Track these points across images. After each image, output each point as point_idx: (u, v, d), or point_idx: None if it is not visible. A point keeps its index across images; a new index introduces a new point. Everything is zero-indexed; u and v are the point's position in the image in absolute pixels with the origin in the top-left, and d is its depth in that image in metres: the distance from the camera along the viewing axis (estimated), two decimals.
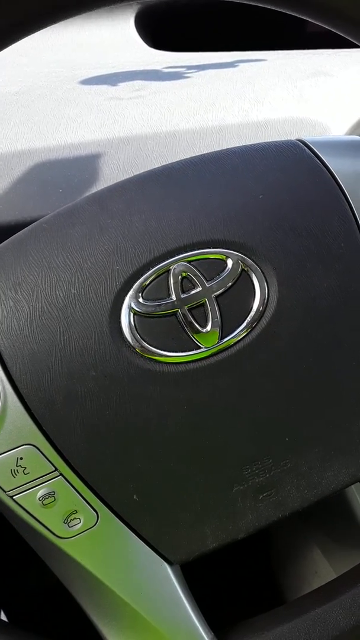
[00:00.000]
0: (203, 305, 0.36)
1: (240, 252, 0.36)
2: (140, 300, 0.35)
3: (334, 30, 0.36)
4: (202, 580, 0.48)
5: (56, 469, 0.36)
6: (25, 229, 0.38)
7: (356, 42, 0.37)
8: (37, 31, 0.35)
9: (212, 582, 0.71)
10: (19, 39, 0.34)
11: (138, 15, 0.82)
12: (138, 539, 0.37)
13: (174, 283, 0.36)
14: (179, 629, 0.38)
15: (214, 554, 0.39)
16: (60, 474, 0.36)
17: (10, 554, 0.72)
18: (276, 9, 0.35)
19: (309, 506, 0.39)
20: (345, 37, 0.37)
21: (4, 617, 0.72)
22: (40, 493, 0.36)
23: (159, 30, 0.85)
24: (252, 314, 0.36)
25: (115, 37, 0.79)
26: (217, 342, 0.36)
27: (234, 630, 0.40)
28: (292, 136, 0.58)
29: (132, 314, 0.35)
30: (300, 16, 0.36)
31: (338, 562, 0.69)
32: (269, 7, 0.35)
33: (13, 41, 0.34)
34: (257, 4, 0.34)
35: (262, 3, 0.34)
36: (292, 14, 0.35)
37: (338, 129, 0.58)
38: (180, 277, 0.36)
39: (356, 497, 0.60)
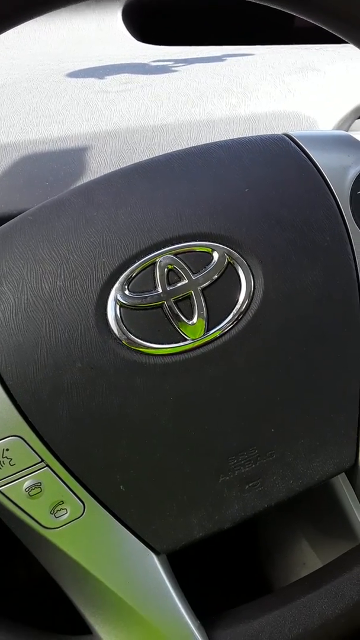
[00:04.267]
0: (189, 297, 0.36)
1: (226, 245, 0.37)
2: (126, 292, 0.36)
3: (330, 30, 0.36)
4: (189, 569, 0.48)
5: (42, 460, 0.36)
6: (10, 221, 0.38)
7: (348, 41, 0.37)
8: (22, 23, 0.35)
9: (200, 572, 0.71)
10: (3, 31, 0.34)
11: (125, 8, 0.81)
12: (124, 529, 0.37)
13: (160, 275, 0.36)
14: (165, 618, 0.38)
15: (201, 543, 0.39)
16: (47, 465, 0.36)
17: None
18: (274, 8, 0.35)
19: (295, 496, 0.40)
20: (340, 36, 0.37)
21: None
22: (27, 484, 0.36)
23: (146, 24, 0.84)
24: (237, 306, 0.37)
25: (102, 30, 0.79)
26: (203, 335, 0.36)
27: (221, 619, 0.41)
28: (280, 130, 0.58)
29: (118, 306, 0.36)
30: (295, 14, 0.36)
31: (326, 553, 0.69)
32: (268, 5, 0.35)
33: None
34: (258, 1, 0.34)
35: (264, 2, 0.34)
36: (289, 12, 0.36)
37: (325, 124, 0.59)
38: (166, 269, 0.36)
39: (343, 488, 0.60)
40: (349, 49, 0.71)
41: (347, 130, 0.62)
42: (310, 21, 0.36)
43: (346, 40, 0.38)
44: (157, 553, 0.38)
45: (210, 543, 0.40)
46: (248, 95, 0.61)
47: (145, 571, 0.38)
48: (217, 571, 0.81)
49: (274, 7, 0.35)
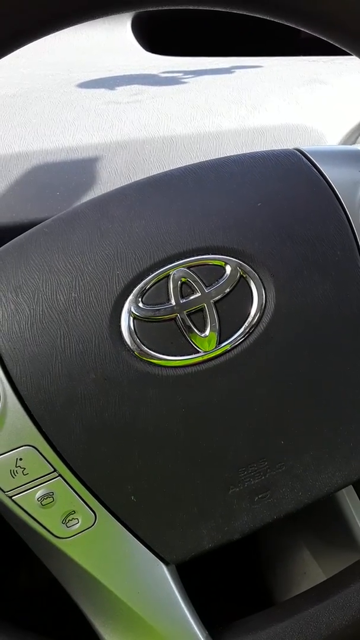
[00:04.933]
0: (202, 310, 0.36)
1: (239, 259, 0.37)
2: (140, 304, 0.36)
3: (335, 44, 0.36)
4: (197, 580, 0.49)
5: (55, 470, 0.36)
6: (25, 232, 0.39)
7: (353, 54, 0.38)
8: (40, 38, 0.35)
9: (205, 582, 0.71)
10: (21, 46, 0.35)
11: (135, 19, 0.82)
12: (135, 539, 0.38)
13: (173, 288, 0.36)
14: (174, 628, 0.39)
15: (207, 554, 0.40)
16: (59, 475, 0.36)
17: (1, 553, 0.72)
18: (278, 22, 0.35)
19: (303, 508, 0.40)
20: (343, 48, 0.38)
21: None
22: (39, 493, 0.36)
23: (155, 35, 0.85)
24: (249, 319, 0.37)
25: (112, 41, 0.79)
26: (215, 347, 0.37)
27: (228, 630, 0.41)
28: (288, 143, 0.59)
29: (131, 318, 0.36)
30: (298, 27, 0.36)
31: (327, 563, 0.69)
32: (268, 18, 0.35)
33: (16, 48, 0.35)
34: (258, 15, 0.35)
35: (263, 15, 0.34)
36: (292, 25, 0.36)
37: (333, 137, 0.59)
38: (179, 282, 0.36)
39: (345, 498, 0.61)
40: (356, 61, 0.72)
41: (354, 143, 0.62)
42: (314, 34, 0.36)
43: (349, 53, 0.38)
44: (166, 563, 0.39)
45: (215, 552, 0.40)
46: (257, 107, 0.62)
47: (154, 581, 0.38)
48: (217, 579, 0.81)
49: (275, 20, 0.35)
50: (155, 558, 0.38)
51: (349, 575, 0.42)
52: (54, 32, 0.35)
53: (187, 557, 0.39)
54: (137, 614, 0.38)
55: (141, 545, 0.38)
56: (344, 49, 0.37)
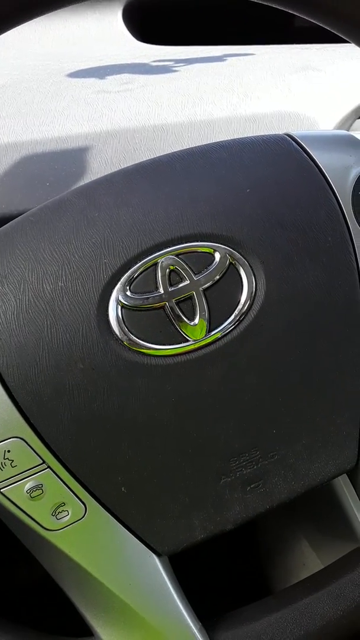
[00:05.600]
0: (191, 298, 0.36)
1: (228, 246, 0.36)
2: (128, 293, 0.36)
3: (331, 30, 0.36)
4: (191, 571, 0.48)
5: (44, 462, 0.36)
6: (11, 221, 0.38)
7: (349, 40, 0.37)
8: (23, 23, 0.34)
9: (201, 574, 0.71)
10: (3, 31, 0.34)
11: (126, 8, 0.81)
12: (126, 530, 0.37)
13: (161, 276, 0.36)
14: (167, 620, 0.38)
15: (202, 545, 0.39)
16: (48, 467, 0.36)
17: None
18: (275, 7, 0.35)
19: (297, 497, 0.40)
20: (341, 35, 0.37)
21: None
22: (28, 486, 0.36)
23: (146, 24, 0.84)
24: (239, 307, 0.36)
25: (102, 30, 0.79)
26: (205, 335, 0.36)
27: (222, 621, 0.40)
28: (280, 130, 0.58)
29: (119, 307, 0.35)
30: (296, 14, 0.36)
31: (326, 554, 0.69)
32: (269, 5, 0.35)
33: (3, 31, 0.34)
34: (259, 1, 0.34)
35: (265, 1, 0.34)
36: (289, 11, 0.35)
37: (326, 123, 0.59)
38: (168, 270, 0.36)
39: (344, 489, 0.60)
40: (349, 48, 0.71)
41: (347, 130, 0.62)
42: (312, 21, 0.36)
43: (347, 40, 0.37)
44: (158, 555, 0.38)
45: (210, 544, 0.40)
46: (249, 94, 0.61)
47: (147, 573, 0.38)
48: (217, 572, 0.80)
49: (275, 6, 0.35)
50: (147, 549, 0.38)
51: (344, 566, 0.42)
52: (37, 16, 0.34)
53: (179, 548, 0.38)
54: (129, 606, 0.38)
55: (132, 536, 0.37)
56: (344, 37, 0.37)
